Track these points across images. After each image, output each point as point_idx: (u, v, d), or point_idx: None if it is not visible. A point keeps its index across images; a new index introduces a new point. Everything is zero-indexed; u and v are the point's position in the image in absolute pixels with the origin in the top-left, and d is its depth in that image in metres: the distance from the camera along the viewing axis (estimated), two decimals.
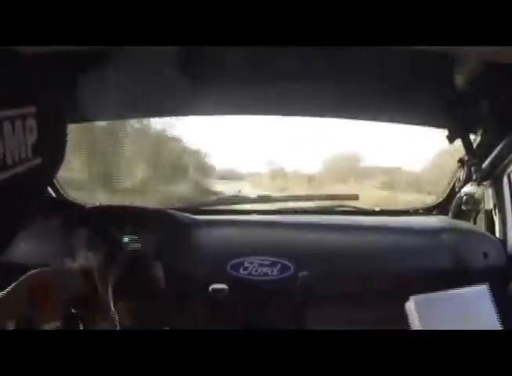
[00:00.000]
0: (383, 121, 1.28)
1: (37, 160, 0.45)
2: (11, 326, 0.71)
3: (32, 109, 0.44)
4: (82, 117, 1.16)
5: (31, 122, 0.43)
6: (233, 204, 1.38)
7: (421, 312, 0.93)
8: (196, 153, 1.81)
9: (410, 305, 0.95)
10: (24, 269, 0.81)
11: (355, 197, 1.37)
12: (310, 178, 1.79)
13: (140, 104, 1.15)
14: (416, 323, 0.93)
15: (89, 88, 0.96)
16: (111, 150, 1.52)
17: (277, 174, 1.90)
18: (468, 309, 0.94)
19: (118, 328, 0.85)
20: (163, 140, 1.69)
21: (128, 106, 1.12)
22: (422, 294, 0.96)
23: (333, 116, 1.26)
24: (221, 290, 1.00)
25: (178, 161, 1.76)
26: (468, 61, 0.87)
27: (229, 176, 1.89)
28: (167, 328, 0.91)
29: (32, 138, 0.44)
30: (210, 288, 1.01)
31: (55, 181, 1.27)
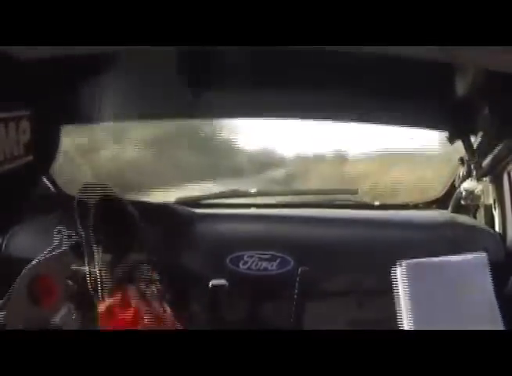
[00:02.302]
0: (384, 123, 1.27)
1: (29, 158, 0.47)
2: (15, 325, 0.71)
3: (26, 111, 0.44)
4: (79, 119, 1.15)
5: (25, 124, 0.44)
6: (233, 197, 1.38)
7: (410, 277, 0.90)
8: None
9: (400, 270, 0.92)
10: (22, 264, 0.81)
11: (355, 192, 1.37)
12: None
13: (141, 106, 1.14)
14: (403, 289, 0.90)
15: (87, 90, 0.95)
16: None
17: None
18: (464, 276, 0.92)
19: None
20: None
21: (130, 108, 1.11)
22: (414, 259, 0.92)
23: (335, 118, 1.26)
24: (222, 286, 1.00)
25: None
26: (468, 63, 0.86)
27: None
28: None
29: (25, 138, 0.45)
30: (210, 284, 1.00)
31: (54, 177, 1.26)
